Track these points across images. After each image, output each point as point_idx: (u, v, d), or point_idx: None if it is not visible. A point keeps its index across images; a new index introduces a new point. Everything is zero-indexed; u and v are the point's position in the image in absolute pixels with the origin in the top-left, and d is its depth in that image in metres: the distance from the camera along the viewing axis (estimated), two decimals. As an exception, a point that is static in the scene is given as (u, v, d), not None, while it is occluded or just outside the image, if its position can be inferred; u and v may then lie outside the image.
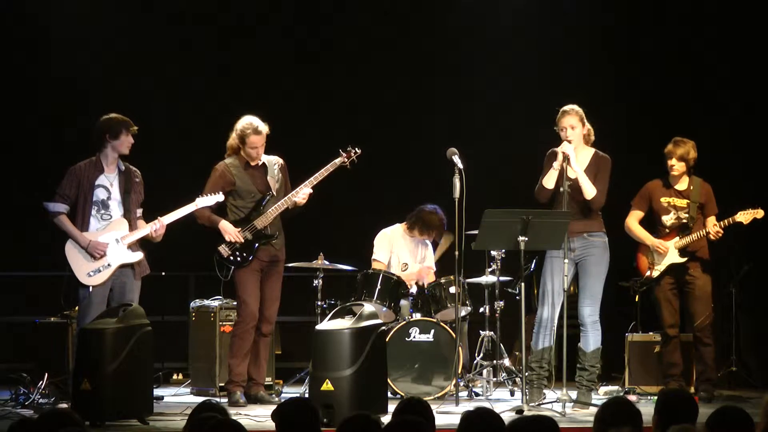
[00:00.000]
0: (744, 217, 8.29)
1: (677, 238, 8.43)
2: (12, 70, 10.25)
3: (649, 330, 9.07)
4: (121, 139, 7.70)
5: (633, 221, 8.58)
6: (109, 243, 7.64)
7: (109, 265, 7.64)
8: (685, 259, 8.42)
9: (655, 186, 8.54)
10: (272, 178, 8.16)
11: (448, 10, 10.69)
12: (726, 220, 8.32)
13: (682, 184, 8.47)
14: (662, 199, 8.48)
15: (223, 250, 8.02)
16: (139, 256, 7.73)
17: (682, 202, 8.45)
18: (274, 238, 8.09)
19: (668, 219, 8.48)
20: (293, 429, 4.12)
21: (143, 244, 7.83)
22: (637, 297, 9.00)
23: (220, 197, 7.96)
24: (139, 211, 7.83)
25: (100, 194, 7.71)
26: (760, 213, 8.29)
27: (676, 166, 8.38)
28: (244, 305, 8.05)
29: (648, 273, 8.53)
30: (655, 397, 8.56)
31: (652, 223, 8.59)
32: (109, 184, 7.73)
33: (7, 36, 10.24)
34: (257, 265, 8.06)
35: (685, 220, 8.43)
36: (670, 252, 8.44)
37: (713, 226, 8.31)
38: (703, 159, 8.61)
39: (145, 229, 7.72)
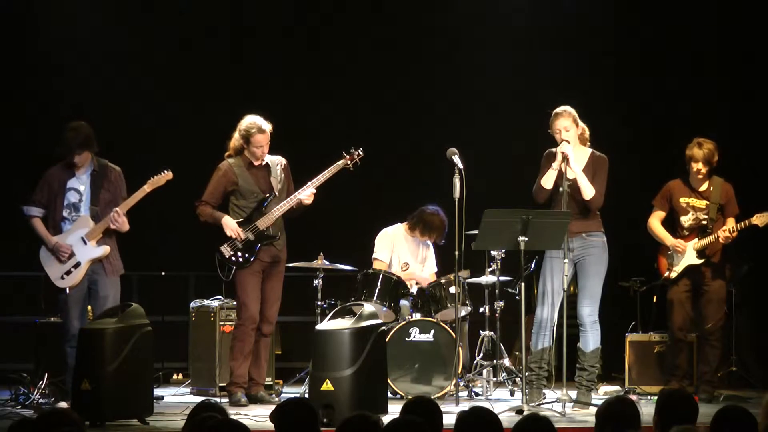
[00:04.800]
0: (760, 219, 8.23)
1: (696, 240, 8.40)
2: (12, 70, 10.25)
3: (650, 330, 9.06)
4: (73, 156, 7.69)
5: (655, 221, 8.54)
6: (74, 242, 7.66)
7: (78, 263, 7.67)
8: (702, 261, 8.39)
9: (675, 186, 8.49)
10: (275, 178, 8.15)
11: (448, 10, 10.68)
12: (742, 223, 8.28)
13: (703, 185, 8.43)
14: (681, 200, 8.44)
15: (225, 250, 8.01)
16: (104, 249, 7.69)
17: (701, 203, 8.40)
18: (276, 238, 8.08)
19: (686, 220, 8.44)
20: (292, 430, 4.12)
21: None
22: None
23: (169, 175, 7.80)
24: (118, 208, 7.75)
25: (71, 197, 7.73)
26: None
27: (703, 170, 8.32)
28: (244, 308, 8.04)
29: (667, 274, 8.51)
30: (656, 397, 8.58)
31: (669, 223, 8.56)
32: (81, 186, 7.74)
33: (7, 36, 10.23)
34: (258, 266, 8.05)
35: (704, 222, 8.39)
36: (688, 253, 8.40)
37: (722, 231, 8.28)
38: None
39: (104, 222, 7.69)
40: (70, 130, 7.71)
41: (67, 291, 7.65)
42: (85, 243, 7.69)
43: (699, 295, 8.47)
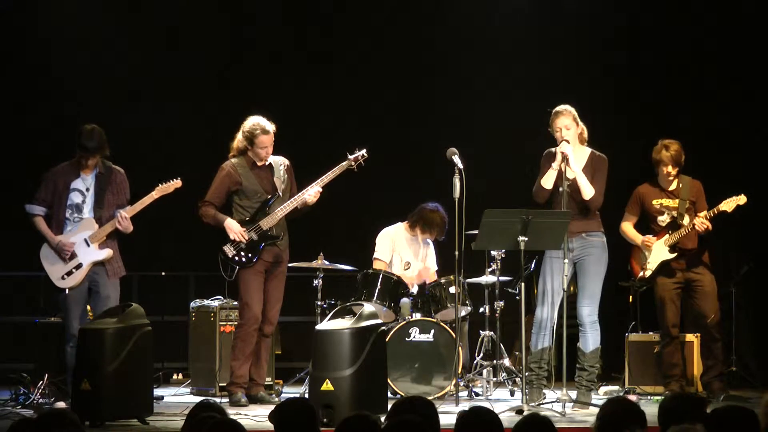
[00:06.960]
0: (727, 205, 8.24)
1: (667, 236, 8.42)
2: (12, 70, 10.25)
3: (649, 330, 9.06)
4: (87, 159, 7.70)
5: (627, 225, 8.55)
6: (77, 243, 7.68)
7: (80, 265, 7.68)
8: (674, 255, 8.39)
9: (645, 190, 8.51)
10: (278, 178, 8.15)
11: (448, 10, 10.69)
12: (711, 211, 8.29)
13: (672, 185, 8.45)
14: (654, 202, 8.45)
15: (228, 250, 8.00)
16: (107, 253, 7.73)
17: (674, 203, 8.43)
18: (279, 238, 8.08)
19: (663, 220, 8.44)
20: (291, 429, 4.12)
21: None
22: (630, 297, 9.01)
23: (178, 183, 7.89)
24: (123, 211, 7.76)
25: (74, 198, 7.74)
26: (742, 199, 8.24)
27: (673, 172, 8.33)
28: (246, 308, 8.03)
29: (641, 274, 8.51)
30: (655, 398, 8.58)
31: (646, 225, 8.56)
32: (84, 188, 7.75)
33: (7, 36, 10.23)
34: (261, 266, 8.05)
35: (674, 217, 8.42)
36: (661, 250, 8.41)
37: (697, 218, 8.27)
38: (701, 156, 8.62)
39: (109, 225, 7.72)
40: (85, 133, 7.66)
41: (67, 291, 7.66)
42: (88, 245, 7.70)
43: (694, 290, 8.45)
